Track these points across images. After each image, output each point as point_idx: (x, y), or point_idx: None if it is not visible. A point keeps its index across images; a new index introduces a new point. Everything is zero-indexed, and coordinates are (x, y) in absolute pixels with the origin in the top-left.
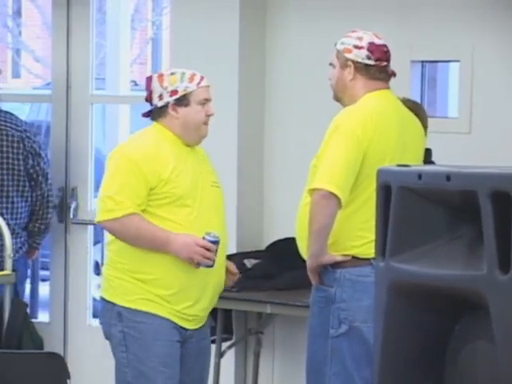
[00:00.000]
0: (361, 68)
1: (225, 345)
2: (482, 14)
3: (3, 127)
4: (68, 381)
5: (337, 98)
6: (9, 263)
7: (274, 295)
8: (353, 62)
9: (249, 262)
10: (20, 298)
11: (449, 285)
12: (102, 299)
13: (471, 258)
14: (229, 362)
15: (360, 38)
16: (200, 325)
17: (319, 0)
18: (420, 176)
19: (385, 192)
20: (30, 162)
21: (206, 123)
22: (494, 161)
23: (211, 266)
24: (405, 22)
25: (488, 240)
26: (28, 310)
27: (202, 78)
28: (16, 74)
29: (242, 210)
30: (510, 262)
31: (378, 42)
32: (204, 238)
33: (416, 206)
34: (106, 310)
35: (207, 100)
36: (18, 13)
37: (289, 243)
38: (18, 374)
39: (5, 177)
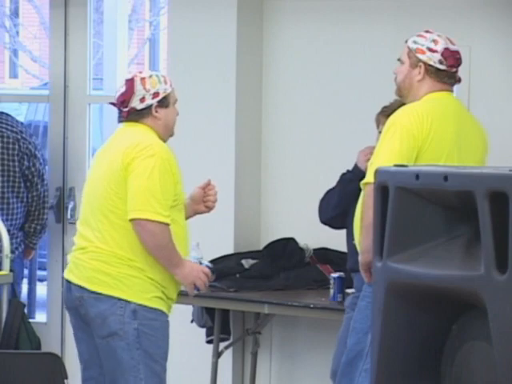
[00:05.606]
0: (431, 71)
1: (222, 345)
2: (479, 16)
3: None
4: (65, 381)
5: (399, 94)
6: (6, 263)
7: (272, 295)
8: (424, 63)
9: (246, 263)
10: (17, 298)
11: (446, 285)
12: (109, 297)
13: (468, 258)
14: (226, 362)
15: (435, 41)
16: None
17: (316, 1)
18: (417, 176)
19: (382, 192)
20: (26, 163)
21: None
22: (492, 161)
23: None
24: (401, 23)
25: (485, 240)
26: (25, 310)
27: (170, 80)
28: (13, 74)
29: (239, 211)
30: (507, 262)
31: (452, 48)
32: (206, 266)
33: (413, 206)
34: (116, 308)
35: (177, 101)
36: (15, 13)
37: (286, 244)
38: (16, 374)
39: (0, 178)
